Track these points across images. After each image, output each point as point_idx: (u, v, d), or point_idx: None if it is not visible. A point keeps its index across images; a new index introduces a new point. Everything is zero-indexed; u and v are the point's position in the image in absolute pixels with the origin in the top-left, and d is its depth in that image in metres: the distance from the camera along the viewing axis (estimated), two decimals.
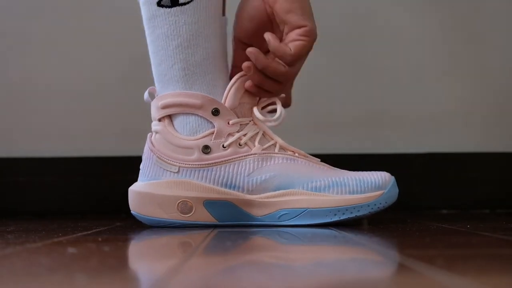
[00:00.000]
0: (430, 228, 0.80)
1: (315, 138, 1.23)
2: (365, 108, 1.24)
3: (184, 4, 0.81)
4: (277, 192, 0.82)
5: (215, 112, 0.83)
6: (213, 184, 0.83)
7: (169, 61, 0.83)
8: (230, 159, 0.83)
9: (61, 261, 0.53)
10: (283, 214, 0.82)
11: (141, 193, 0.84)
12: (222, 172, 0.83)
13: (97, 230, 0.81)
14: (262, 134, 0.85)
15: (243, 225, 0.84)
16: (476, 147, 1.24)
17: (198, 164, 0.83)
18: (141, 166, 0.87)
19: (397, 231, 0.76)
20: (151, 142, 0.86)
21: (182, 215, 0.83)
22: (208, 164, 0.83)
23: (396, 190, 0.84)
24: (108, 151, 1.21)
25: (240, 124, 0.84)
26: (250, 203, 0.83)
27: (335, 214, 0.81)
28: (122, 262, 0.54)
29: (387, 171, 0.85)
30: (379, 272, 0.48)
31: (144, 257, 0.60)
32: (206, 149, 0.83)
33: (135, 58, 1.21)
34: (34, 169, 1.20)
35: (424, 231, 0.75)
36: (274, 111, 0.88)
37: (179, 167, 0.83)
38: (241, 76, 0.84)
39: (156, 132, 0.85)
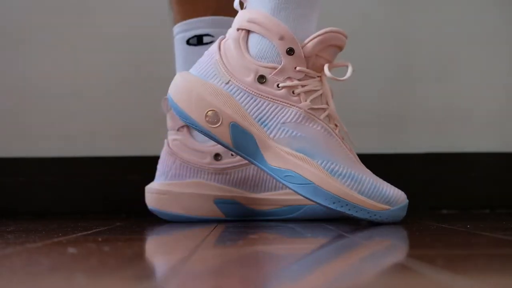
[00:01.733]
0: (430, 228, 0.80)
1: None
2: (365, 108, 1.24)
3: None
4: (296, 153, 0.80)
5: (290, 51, 0.81)
6: (250, 113, 0.82)
7: None
8: (276, 100, 0.82)
9: (61, 261, 0.53)
10: (289, 175, 0.80)
11: (185, 83, 0.83)
12: (263, 107, 0.82)
13: (97, 230, 0.81)
14: (320, 94, 0.84)
15: (246, 220, 0.83)
16: (476, 147, 1.23)
17: (247, 88, 0.82)
18: (200, 59, 0.86)
19: (397, 231, 0.76)
20: (219, 45, 0.84)
21: (207, 123, 0.82)
22: (256, 92, 0.82)
23: (403, 213, 0.82)
24: (108, 151, 1.21)
25: (305, 74, 0.83)
26: (268, 147, 0.81)
27: (334, 203, 0.79)
28: (122, 262, 0.54)
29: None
30: (379, 272, 0.48)
31: (144, 257, 0.60)
32: (262, 79, 0.82)
33: (136, 58, 1.21)
34: (34, 169, 1.20)
35: (424, 231, 0.75)
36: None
37: (230, 80, 0.83)
38: (332, 31, 0.82)
39: (229, 38, 0.84)
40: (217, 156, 0.88)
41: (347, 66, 0.84)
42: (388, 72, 1.25)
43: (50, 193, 1.19)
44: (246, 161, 0.84)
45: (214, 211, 0.92)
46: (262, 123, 0.81)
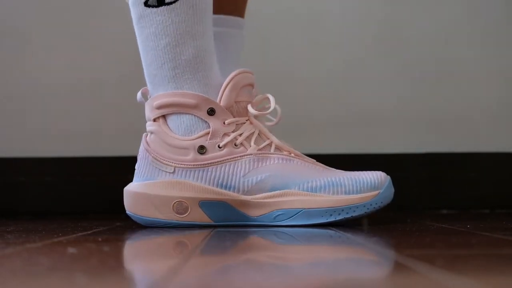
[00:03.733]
0: (430, 228, 0.80)
1: (314, 137, 1.23)
2: (365, 108, 1.24)
3: (170, 3, 0.81)
4: (272, 192, 0.82)
5: (211, 112, 0.83)
6: (209, 184, 0.82)
7: (159, 61, 0.83)
8: (225, 160, 0.83)
9: (61, 261, 0.53)
10: (279, 215, 0.82)
11: (136, 193, 0.84)
12: (218, 173, 0.82)
13: (97, 230, 0.81)
14: (258, 133, 0.85)
15: (239, 225, 0.83)
16: (476, 147, 1.24)
17: (193, 165, 0.83)
18: (136, 166, 0.86)
19: (397, 231, 0.76)
20: (147, 142, 0.85)
21: (178, 215, 0.83)
22: (203, 164, 0.83)
23: (392, 190, 0.84)
24: (108, 151, 1.21)
25: (236, 124, 0.84)
26: (245, 203, 0.82)
27: (331, 215, 0.81)
28: (122, 262, 0.54)
29: (386, 171, 0.85)
30: (379, 272, 0.48)
31: (144, 257, 0.60)
32: (201, 149, 0.83)
33: (135, 58, 1.21)
34: (34, 169, 1.20)
35: (424, 231, 0.75)
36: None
37: (175, 167, 0.83)
38: (237, 74, 0.83)
39: (151, 133, 0.85)
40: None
41: (268, 98, 0.86)
42: (387, 73, 1.25)
43: (50, 193, 1.19)
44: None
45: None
46: (226, 187, 0.82)
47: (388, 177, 0.84)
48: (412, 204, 1.21)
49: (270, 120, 0.91)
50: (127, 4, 0.86)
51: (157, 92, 0.84)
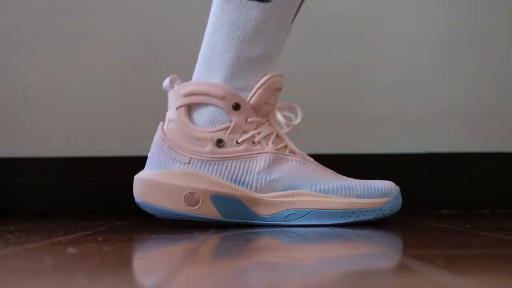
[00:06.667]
0: (430, 228, 0.80)
1: (313, 138, 1.23)
2: (365, 108, 1.24)
3: (263, 1, 0.82)
4: (284, 192, 0.83)
5: (236, 107, 0.83)
6: (223, 178, 0.83)
7: (224, 47, 0.83)
8: (242, 155, 0.83)
9: (61, 261, 0.53)
10: (289, 214, 0.82)
11: (148, 180, 0.83)
12: (233, 168, 0.83)
13: (97, 230, 0.81)
14: (276, 135, 0.86)
15: (249, 225, 0.83)
16: (476, 147, 1.23)
17: (210, 157, 0.83)
18: (149, 154, 0.86)
19: (397, 231, 0.76)
20: (163, 131, 0.85)
21: (188, 207, 0.82)
22: (220, 157, 0.83)
23: (400, 200, 0.85)
24: (108, 151, 1.21)
25: (257, 123, 0.85)
26: (257, 201, 0.82)
27: (342, 216, 0.82)
28: (122, 262, 0.54)
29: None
30: (379, 272, 0.48)
31: (144, 257, 0.60)
32: (219, 142, 0.83)
33: (136, 58, 1.21)
34: (34, 169, 1.20)
35: (424, 231, 0.75)
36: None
37: (191, 158, 0.83)
38: (273, 76, 0.84)
39: (170, 121, 0.85)
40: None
41: (295, 108, 0.88)
42: (387, 73, 1.25)
43: (50, 193, 1.19)
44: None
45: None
46: (239, 183, 0.82)
47: (398, 187, 0.85)
48: (412, 204, 1.21)
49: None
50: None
51: (205, 78, 0.84)
